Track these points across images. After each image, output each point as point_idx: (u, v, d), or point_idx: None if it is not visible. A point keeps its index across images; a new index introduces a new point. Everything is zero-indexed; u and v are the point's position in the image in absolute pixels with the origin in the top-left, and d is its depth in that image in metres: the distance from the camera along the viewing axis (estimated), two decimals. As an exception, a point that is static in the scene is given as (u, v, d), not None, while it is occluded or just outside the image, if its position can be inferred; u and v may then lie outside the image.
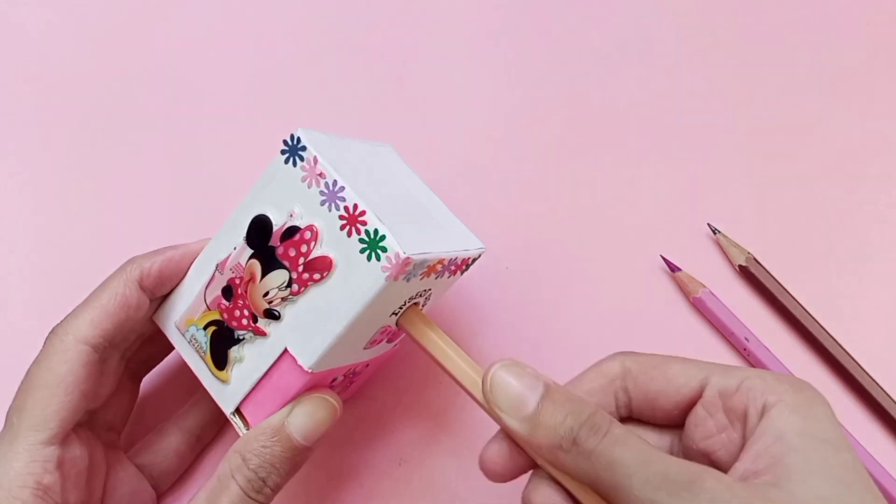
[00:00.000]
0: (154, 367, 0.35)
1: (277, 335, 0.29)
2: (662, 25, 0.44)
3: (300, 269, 0.28)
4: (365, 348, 0.30)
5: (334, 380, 0.31)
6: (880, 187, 0.41)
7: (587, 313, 0.38)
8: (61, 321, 0.30)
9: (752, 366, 0.37)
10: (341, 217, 0.27)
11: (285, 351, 0.28)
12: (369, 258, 0.27)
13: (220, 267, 0.30)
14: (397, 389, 0.37)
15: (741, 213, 0.40)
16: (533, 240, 0.40)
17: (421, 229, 0.29)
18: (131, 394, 0.34)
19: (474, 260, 0.32)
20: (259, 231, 0.29)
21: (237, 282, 0.29)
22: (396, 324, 0.30)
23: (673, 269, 0.38)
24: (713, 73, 0.43)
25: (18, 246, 0.39)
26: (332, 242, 0.27)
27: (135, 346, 0.32)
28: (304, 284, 0.28)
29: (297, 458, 0.29)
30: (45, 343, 0.29)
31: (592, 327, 0.38)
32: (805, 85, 0.43)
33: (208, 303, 0.30)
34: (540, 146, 0.41)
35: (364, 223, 0.27)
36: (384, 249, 0.26)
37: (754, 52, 0.44)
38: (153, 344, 0.33)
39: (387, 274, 0.26)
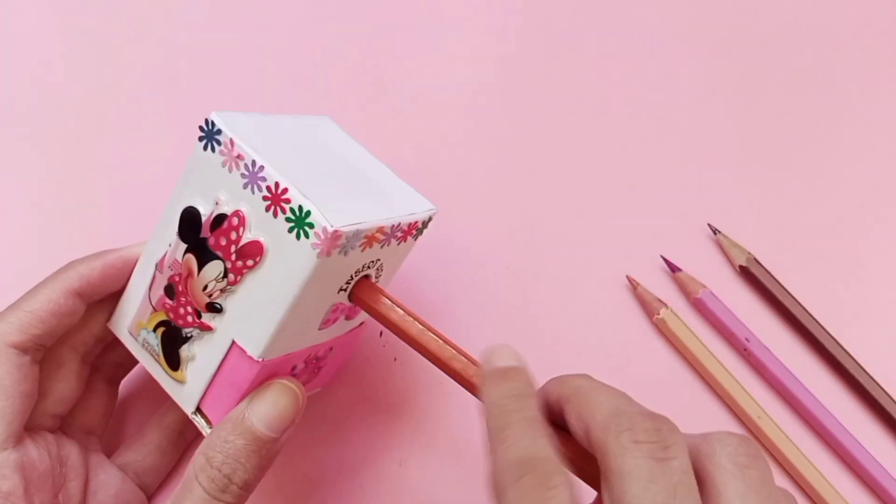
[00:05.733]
0: (131, 370, 0.34)
1: (223, 329, 0.28)
2: (663, 24, 0.44)
3: (233, 257, 0.27)
4: (320, 329, 0.29)
5: (294, 367, 0.30)
6: (880, 187, 0.41)
7: (588, 313, 0.38)
8: None
9: (753, 367, 0.37)
10: (265, 198, 0.26)
11: (233, 343, 0.27)
12: (298, 237, 0.25)
13: (159, 266, 0.29)
14: (397, 390, 0.37)
15: (741, 213, 0.40)
16: (533, 240, 0.40)
17: (354, 199, 0.28)
18: (108, 397, 0.33)
19: (426, 223, 0.30)
20: (189, 224, 0.28)
21: (177, 279, 0.28)
22: (350, 299, 0.29)
23: (673, 269, 0.38)
24: (714, 73, 0.43)
25: (13, 247, 0.39)
26: (261, 226, 0.26)
27: (97, 348, 0.32)
28: (239, 273, 0.27)
29: (262, 450, 0.27)
30: None
31: (593, 327, 0.38)
32: (805, 85, 0.43)
33: (154, 304, 0.29)
34: (540, 146, 0.41)
35: (288, 201, 0.25)
36: (311, 226, 0.25)
37: (755, 51, 0.44)
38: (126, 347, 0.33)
39: (318, 251, 0.25)
